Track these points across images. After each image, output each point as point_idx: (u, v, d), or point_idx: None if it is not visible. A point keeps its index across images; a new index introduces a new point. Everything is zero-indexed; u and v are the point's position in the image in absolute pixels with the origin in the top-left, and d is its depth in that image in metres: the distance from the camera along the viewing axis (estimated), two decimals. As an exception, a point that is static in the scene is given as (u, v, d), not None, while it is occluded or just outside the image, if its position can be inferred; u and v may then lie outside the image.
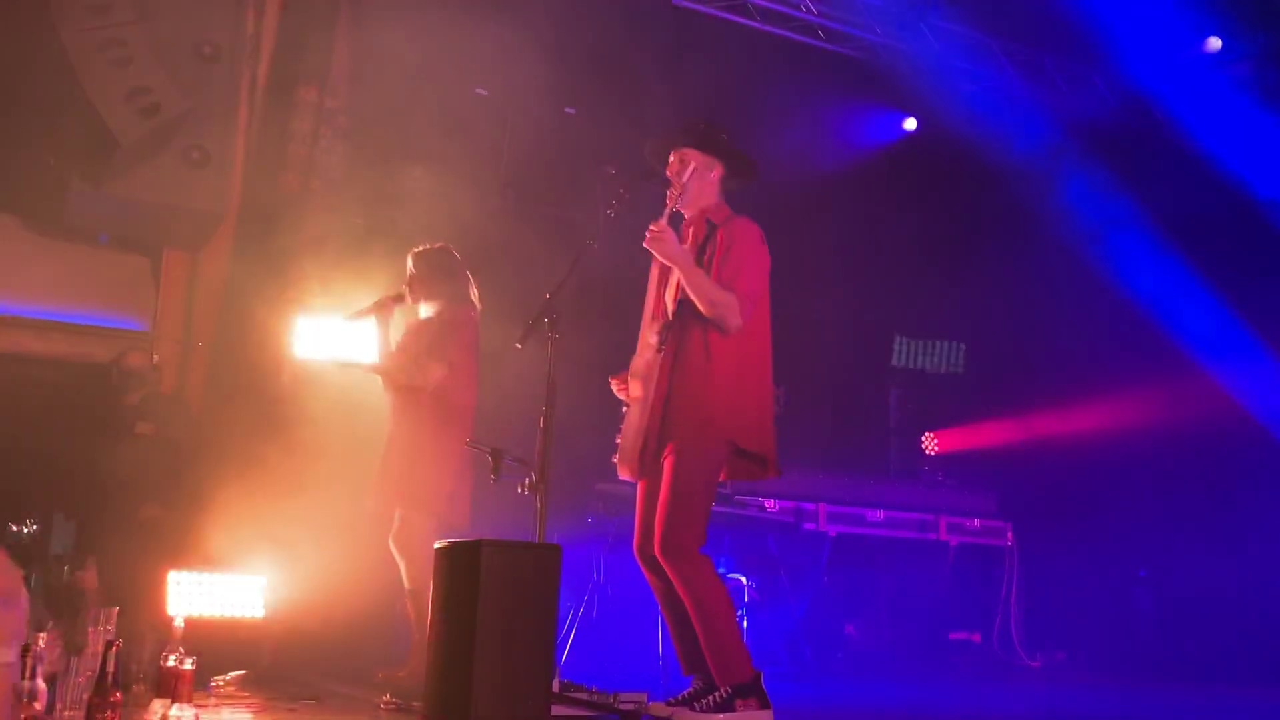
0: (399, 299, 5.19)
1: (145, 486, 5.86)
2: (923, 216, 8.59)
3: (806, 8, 7.49)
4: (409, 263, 5.22)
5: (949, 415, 8.83)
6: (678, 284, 4.14)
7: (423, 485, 4.94)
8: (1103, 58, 7.90)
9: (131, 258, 7.05)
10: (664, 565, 3.92)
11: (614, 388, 4.28)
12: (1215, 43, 7.59)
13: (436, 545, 3.32)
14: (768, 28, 7.47)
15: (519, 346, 4.23)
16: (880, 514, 7.24)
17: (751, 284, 4.04)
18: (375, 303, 5.18)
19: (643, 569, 4.10)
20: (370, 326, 5.25)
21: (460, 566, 3.17)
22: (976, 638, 7.47)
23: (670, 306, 4.17)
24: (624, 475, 4.16)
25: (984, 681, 6.82)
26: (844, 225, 8.16)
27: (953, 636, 7.50)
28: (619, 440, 4.19)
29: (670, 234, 4.01)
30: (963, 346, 9.10)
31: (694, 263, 4.04)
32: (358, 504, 5.21)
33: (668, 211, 4.06)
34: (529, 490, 3.84)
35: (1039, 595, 7.63)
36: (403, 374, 5.05)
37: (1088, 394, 8.25)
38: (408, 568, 4.95)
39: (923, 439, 8.75)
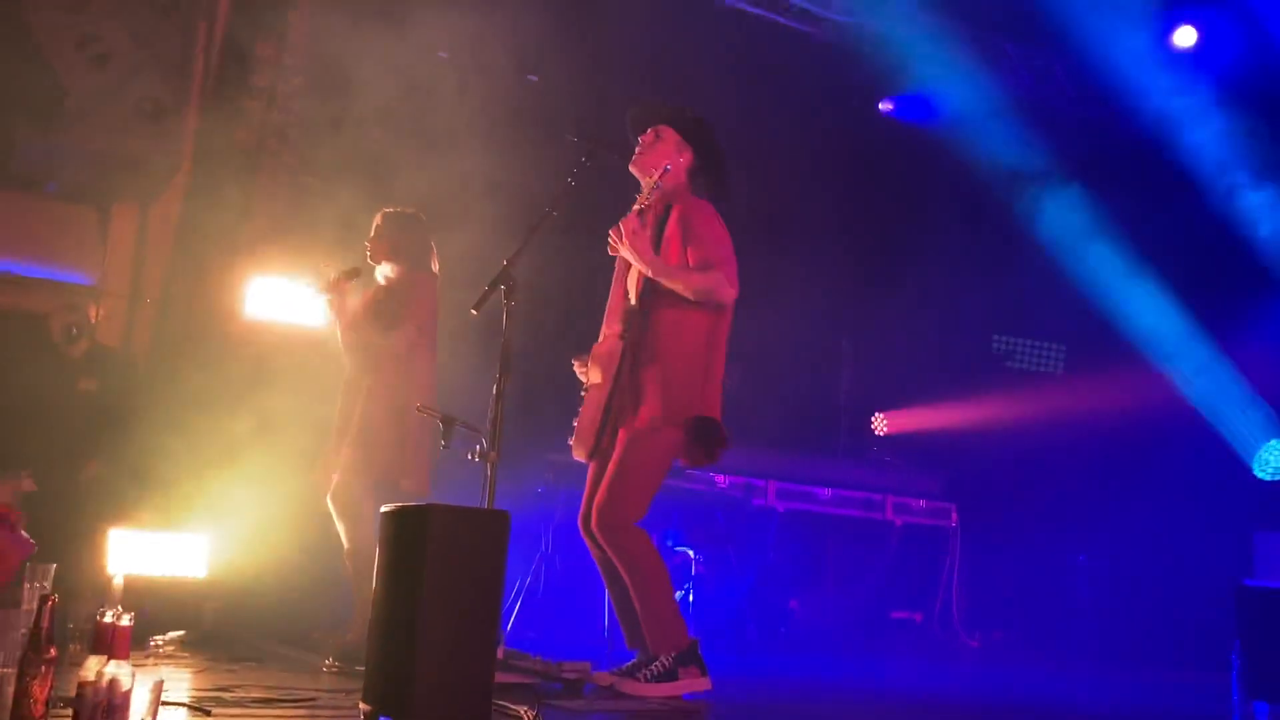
0: (353, 274, 5.10)
1: (88, 443, 5.76)
2: (877, 197, 8.64)
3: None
4: (378, 221, 5.12)
5: (899, 396, 8.91)
6: (639, 273, 4.13)
7: (365, 448, 4.90)
8: (1062, 47, 7.95)
9: (79, 209, 6.88)
10: (599, 537, 3.94)
11: (576, 369, 4.29)
12: (1187, 34, 7.56)
13: (383, 509, 3.29)
14: (735, 3, 7.43)
15: (474, 313, 4.21)
16: (828, 492, 7.30)
17: (729, 256, 4.07)
18: (330, 281, 5.06)
19: (587, 542, 4.13)
20: (324, 301, 5.17)
21: (407, 531, 3.15)
22: (918, 616, 7.58)
23: (633, 294, 4.16)
24: (578, 456, 4.18)
25: (923, 659, 6.92)
26: (800, 203, 8.17)
27: (895, 615, 7.60)
28: (576, 423, 4.20)
29: (640, 236, 4.01)
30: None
31: (662, 263, 4.04)
32: (305, 466, 5.16)
33: (636, 210, 4.05)
34: (479, 458, 3.82)
35: (980, 576, 7.75)
36: (373, 332, 4.98)
37: (1033, 380, 8.36)
38: (347, 529, 4.91)
39: (872, 419, 8.83)
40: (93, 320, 6.30)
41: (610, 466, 4.00)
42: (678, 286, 4.02)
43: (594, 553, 4.14)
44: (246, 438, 5.48)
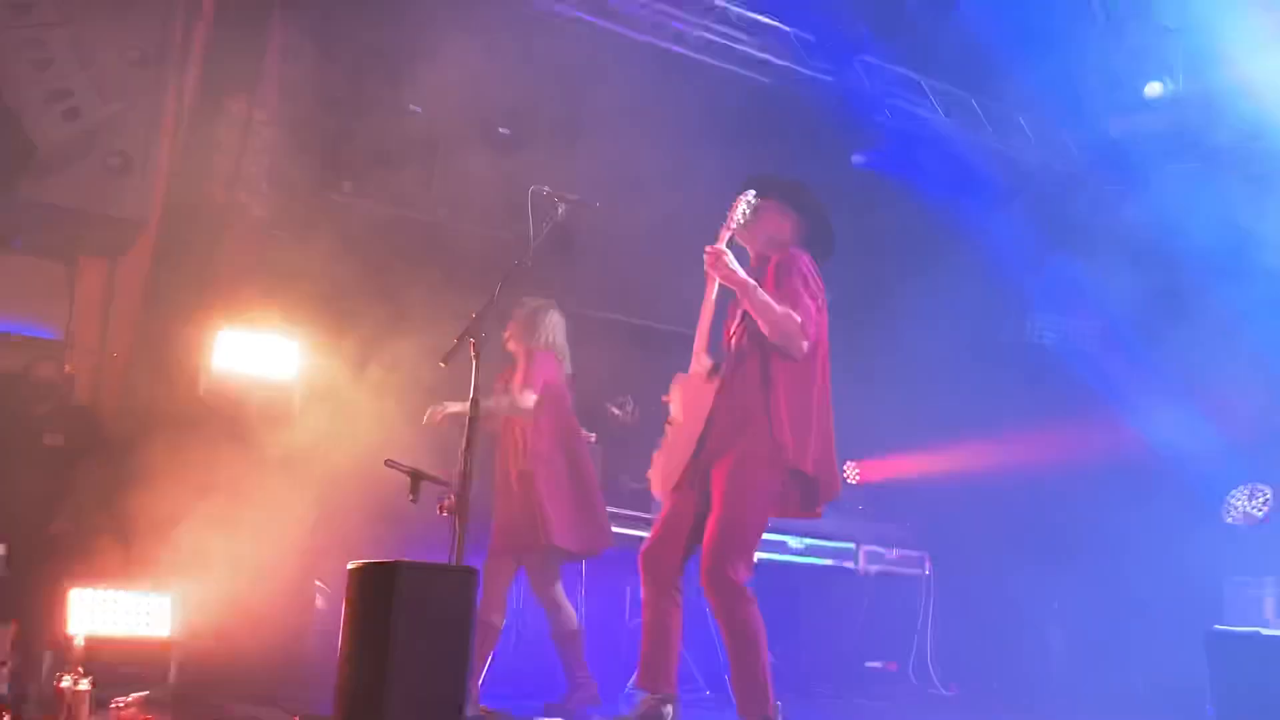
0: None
1: (52, 500, 5.68)
2: (849, 246, 8.68)
3: (744, 40, 7.56)
4: (516, 310, 5.48)
5: (870, 445, 8.91)
6: (741, 315, 4.12)
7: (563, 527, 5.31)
8: (1026, 101, 8.10)
9: (46, 264, 6.84)
10: (707, 593, 3.88)
11: (670, 405, 4.23)
12: (1155, 87, 7.67)
13: (349, 566, 3.26)
14: (705, 58, 7.52)
15: (443, 365, 4.21)
16: (800, 542, 7.27)
17: (811, 307, 4.06)
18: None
19: (641, 572, 4.04)
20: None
21: (375, 588, 3.12)
22: (893, 666, 7.54)
23: (735, 337, 4.14)
24: (657, 490, 4.13)
25: (898, 709, 6.88)
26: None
27: (869, 665, 7.55)
28: (656, 456, 4.13)
29: (727, 255, 4.00)
30: None
31: (751, 282, 4.01)
32: (271, 522, 5.11)
33: (725, 236, 4.05)
34: (447, 512, 3.79)
35: (954, 625, 7.72)
36: (507, 400, 5.34)
37: (1004, 429, 8.39)
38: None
39: (844, 468, 8.82)
40: (59, 376, 6.24)
41: (714, 516, 3.93)
42: (759, 315, 3.99)
43: (646, 585, 4.01)
44: (213, 494, 5.41)
